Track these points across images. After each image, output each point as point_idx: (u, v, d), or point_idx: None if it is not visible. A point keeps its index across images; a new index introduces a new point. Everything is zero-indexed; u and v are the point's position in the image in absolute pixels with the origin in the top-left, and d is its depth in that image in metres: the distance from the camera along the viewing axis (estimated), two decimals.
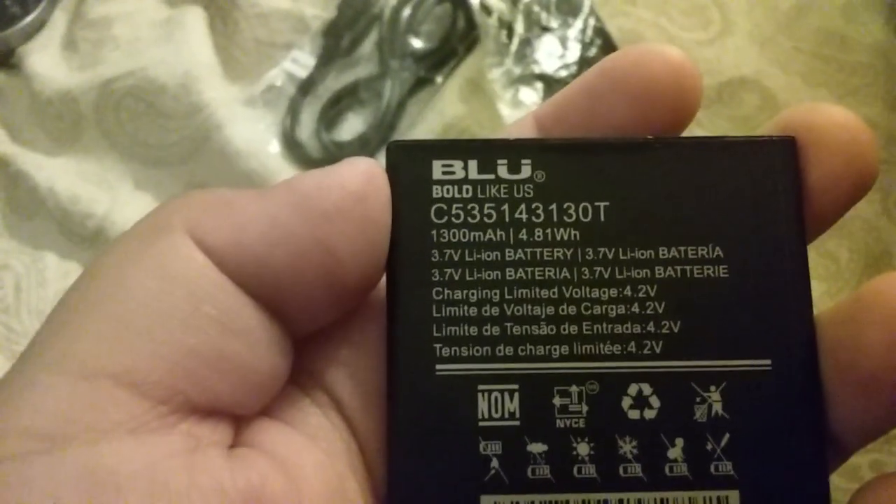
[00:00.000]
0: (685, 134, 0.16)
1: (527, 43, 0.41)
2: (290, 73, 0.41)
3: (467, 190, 0.15)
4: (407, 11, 0.41)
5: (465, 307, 0.15)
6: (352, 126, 0.40)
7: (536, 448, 0.14)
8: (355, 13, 0.42)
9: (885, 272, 0.14)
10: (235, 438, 0.14)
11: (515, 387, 0.15)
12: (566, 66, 0.41)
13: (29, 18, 0.43)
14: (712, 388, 0.15)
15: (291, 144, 0.39)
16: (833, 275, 0.36)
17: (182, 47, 0.40)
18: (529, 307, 0.15)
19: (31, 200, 0.39)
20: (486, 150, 0.15)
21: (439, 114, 0.40)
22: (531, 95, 0.40)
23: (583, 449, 0.14)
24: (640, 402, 0.15)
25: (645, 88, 0.15)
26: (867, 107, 0.40)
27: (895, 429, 0.14)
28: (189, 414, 0.13)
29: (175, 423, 0.13)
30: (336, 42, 0.41)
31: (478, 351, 0.15)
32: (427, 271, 0.15)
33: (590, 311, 0.15)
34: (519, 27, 0.41)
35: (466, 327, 0.15)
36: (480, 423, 0.14)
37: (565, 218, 0.15)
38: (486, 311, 0.15)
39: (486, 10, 0.41)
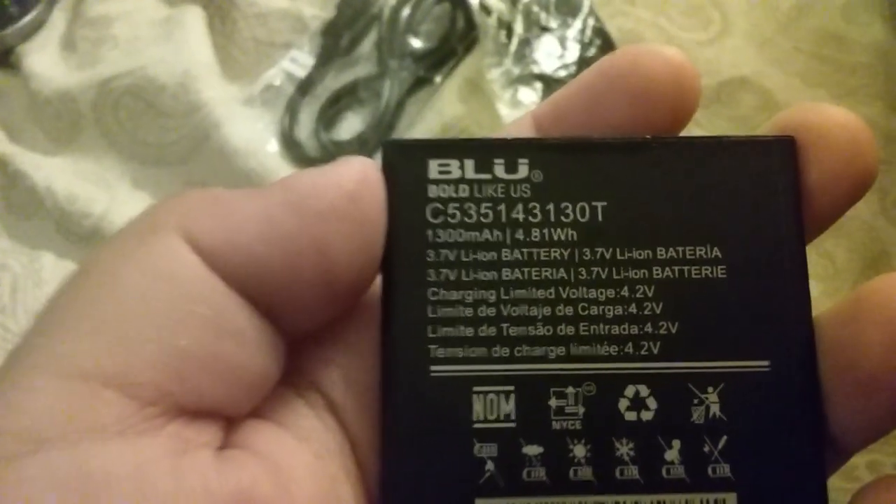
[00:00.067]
0: (684, 134, 0.16)
1: (526, 43, 0.41)
2: (288, 72, 0.41)
3: (464, 189, 0.15)
4: (406, 11, 0.41)
5: (461, 308, 0.15)
6: (350, 126, 0.40)
7: (532, 450, 0.14)
8: (354, 13, 0.42)
9: (884, 272, 0.14)
10: (226, 440, 0.14)
11: (511, 388, 0.14)
12: (565, 67, 0.41)
13: (28, 18, 0.43)
14: (710, 389, 0.14)
15: (290, 144, 0.39)
16: (830, 275, 0.36)
17: (181, 46, 0.40)
18: (526, 308, 0.15)
19: (29, 200, 0.38)
20: (483, 150, 0.15)
21: (438, 114, 0.40)
22: (530, 95, 0.40)
23: (579, 451, 0.14)
24: (638, 403, 0.14)
25: (644, 88, 0.15)
26: (866, 107, 0.40)
27: (895, 430, 0.14)
28: (178, 415, 0.13)
29: (164, 424, 0.13)
30: (335, 42, 0.41)
31: (473, 352, 0.15)
32: (423, 271, 0.15)
33: (587, 312, 0.15)
34: (518, 27, 0.41)
35: (462, 328, 0.15)
36: (475, 425, 0.14)
37: (562, 218, 0.15)
38: (482, 312, 0.15)
39: (486, 10, 0.41)
